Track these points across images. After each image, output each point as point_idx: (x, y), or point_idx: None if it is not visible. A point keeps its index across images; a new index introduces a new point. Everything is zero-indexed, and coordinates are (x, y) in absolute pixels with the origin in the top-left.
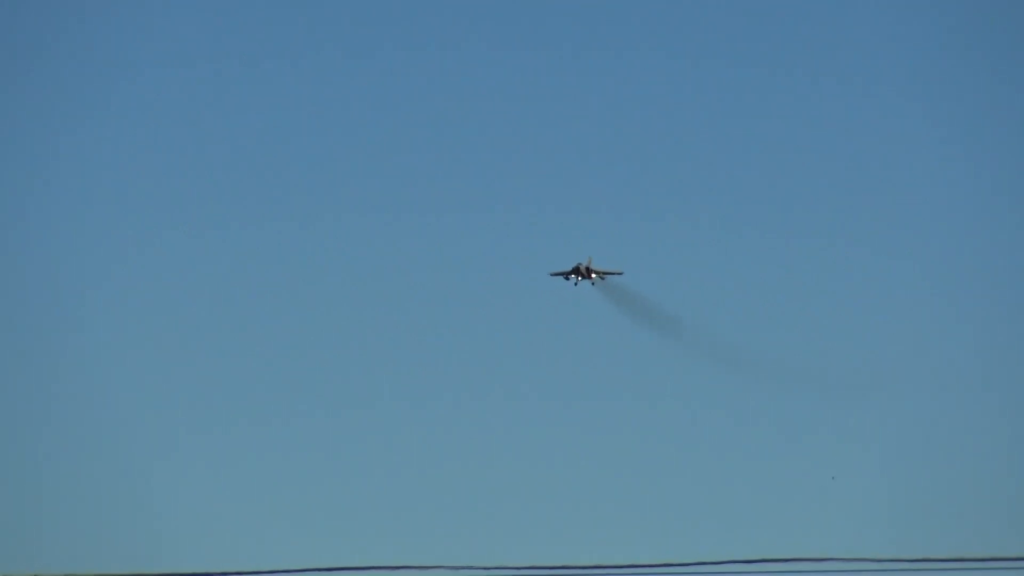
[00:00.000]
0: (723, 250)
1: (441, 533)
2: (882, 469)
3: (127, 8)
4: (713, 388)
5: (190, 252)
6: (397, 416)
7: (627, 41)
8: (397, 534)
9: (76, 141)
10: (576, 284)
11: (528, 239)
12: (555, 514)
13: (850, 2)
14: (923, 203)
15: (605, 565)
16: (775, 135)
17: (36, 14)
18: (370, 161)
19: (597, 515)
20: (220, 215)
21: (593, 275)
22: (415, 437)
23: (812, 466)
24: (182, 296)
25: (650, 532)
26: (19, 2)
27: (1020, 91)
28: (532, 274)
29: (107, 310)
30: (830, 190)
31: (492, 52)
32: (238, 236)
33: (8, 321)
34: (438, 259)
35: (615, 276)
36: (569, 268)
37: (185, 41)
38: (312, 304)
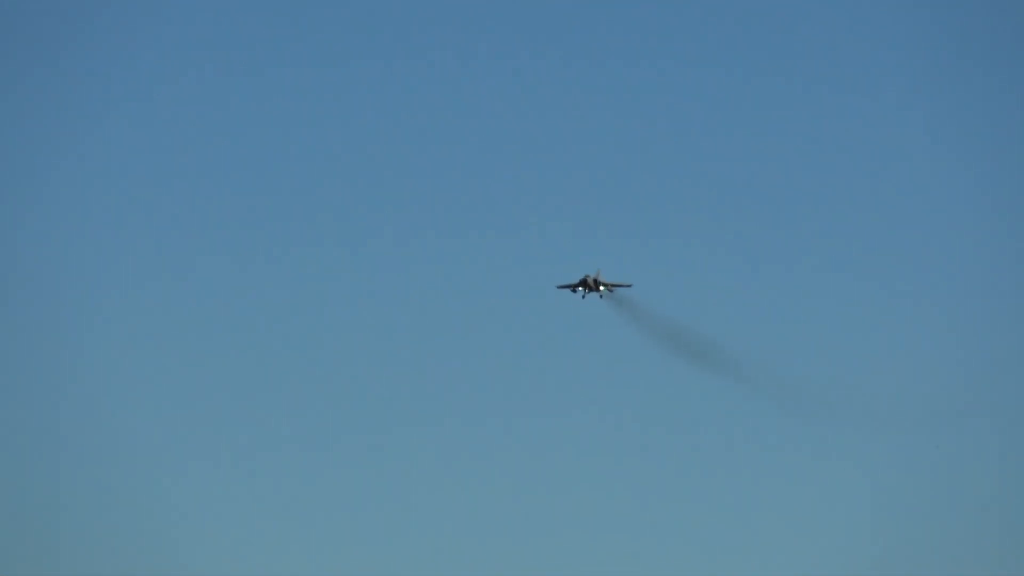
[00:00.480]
0: (732, 263)
1: (442, 549)
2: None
3: (126, 17)
4: (721, 404)
5: (206, 269)
6: (406, 430)
7: (637, 55)
8: (399, 552)
9: (77, 158)
10: (584, 297)
11: (535, 251)
12: (561, 527)
13: (861, 27)
14: (936, 225)
15: None
16: (788, 151)
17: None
18: (377, 169)
19: (601, 531)
20: (227, 235)
21: (601, 287)
22: (425, 451)
23: (821, 490)
24: (198, 315)
25: (654, 550)
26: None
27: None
28: (539, 286)
29: (112, 317)
30: (839, 206)
31: (499, 64)
32: (252, 254)
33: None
34: (444, 273)
35: (623, 288)
36: (576, 281)
37: (186, 48)
38: (323, 317)
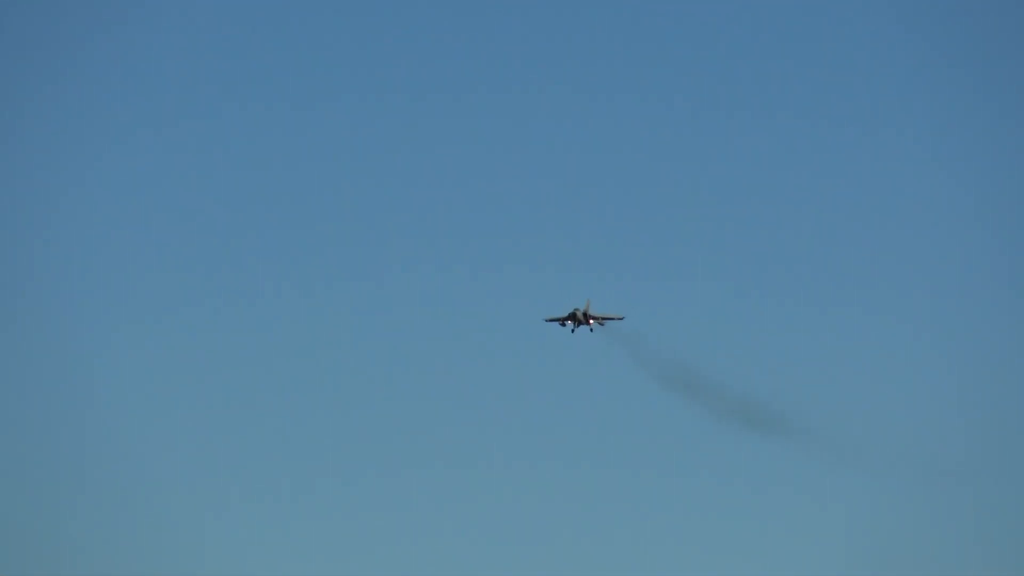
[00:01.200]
0: (729, 294)
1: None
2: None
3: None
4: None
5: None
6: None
7: (630, 79)
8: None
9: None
10: (573, 331)
11: (523, 281)
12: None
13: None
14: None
15: None
16: (782, 183)
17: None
18: (367, 194)
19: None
20: (215, 284)
21: (591, 321)
22: (413, 484)
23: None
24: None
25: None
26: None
27: None
28: (527, 319)
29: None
30: (835, 243)
31: (489, 91)
32: (238, 300)
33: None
34: (431, 303)
35: (615, 321)
36: (565, 314)
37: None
38: (313, 341)
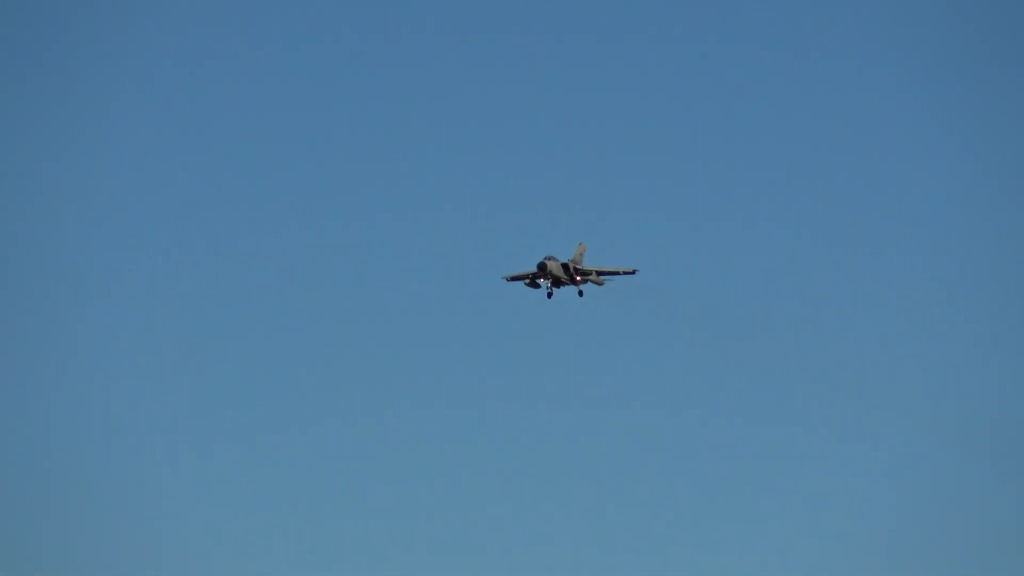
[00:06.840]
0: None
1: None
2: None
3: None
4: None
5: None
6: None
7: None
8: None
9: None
10: (551, 295)
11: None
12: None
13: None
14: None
15: None
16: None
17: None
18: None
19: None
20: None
21: (581, 278)
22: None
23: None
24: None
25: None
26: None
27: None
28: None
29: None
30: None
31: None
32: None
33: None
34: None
35: (623, 277)
36: (533, 270)
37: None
38: (288, 304)
